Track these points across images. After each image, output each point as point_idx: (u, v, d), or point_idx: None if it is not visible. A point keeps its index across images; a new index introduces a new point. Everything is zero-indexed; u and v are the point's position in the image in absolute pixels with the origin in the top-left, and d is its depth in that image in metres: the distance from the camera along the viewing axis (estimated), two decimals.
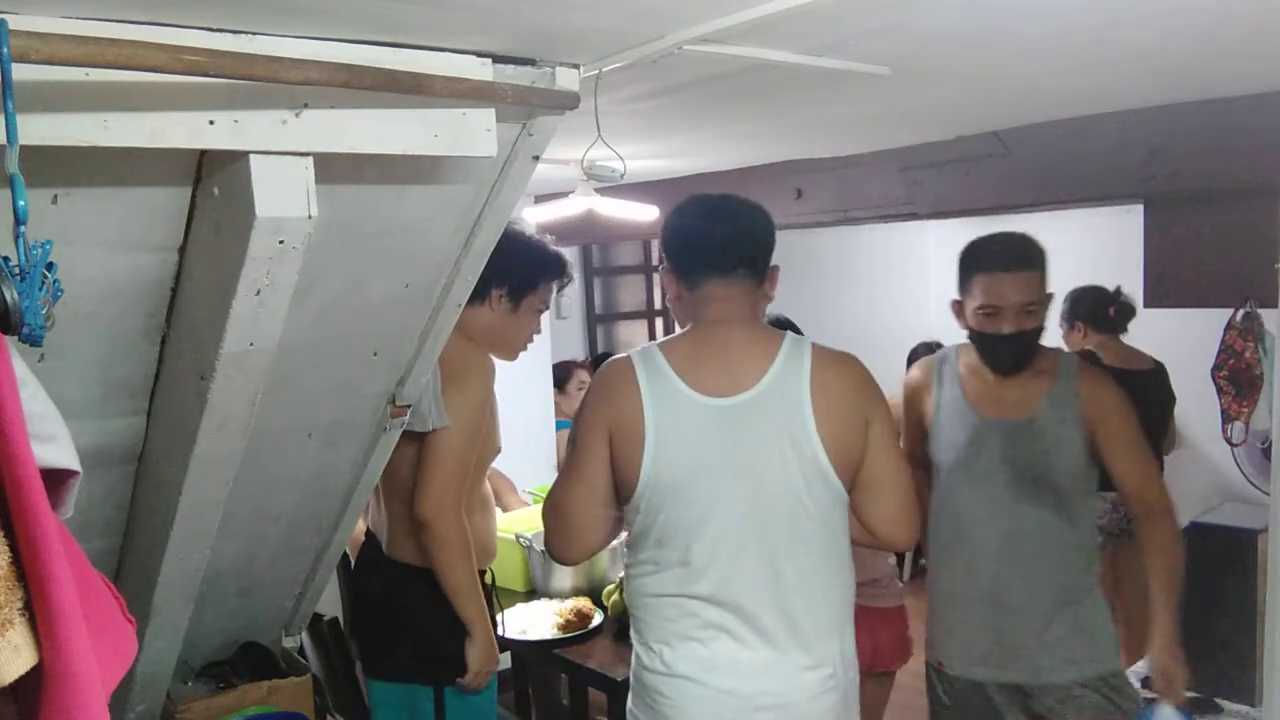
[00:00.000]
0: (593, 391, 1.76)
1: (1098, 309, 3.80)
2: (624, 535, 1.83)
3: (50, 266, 1.10)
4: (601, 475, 1.70)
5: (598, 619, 2.69)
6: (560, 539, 1.79)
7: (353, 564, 2.87)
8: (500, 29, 1.42)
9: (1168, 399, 3.86)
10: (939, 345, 5.05)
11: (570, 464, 1.75)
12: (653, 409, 1.65)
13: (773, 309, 2.53)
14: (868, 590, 2.48)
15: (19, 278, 1.04)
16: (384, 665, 2.32)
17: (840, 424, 1.65)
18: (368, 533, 2.41)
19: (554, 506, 1.78)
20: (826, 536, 1.69)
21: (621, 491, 1.71)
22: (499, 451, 2.36)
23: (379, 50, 1.39)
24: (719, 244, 1.71)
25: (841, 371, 1.71)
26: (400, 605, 2.26)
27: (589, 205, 2.82)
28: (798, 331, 2.40)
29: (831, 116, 2.52)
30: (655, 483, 1.65)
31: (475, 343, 2.17)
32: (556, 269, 2.23)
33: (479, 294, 2.02)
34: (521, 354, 2.31)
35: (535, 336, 2.29)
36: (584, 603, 2.77)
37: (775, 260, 1.78)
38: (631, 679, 1.80)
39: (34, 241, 1.07)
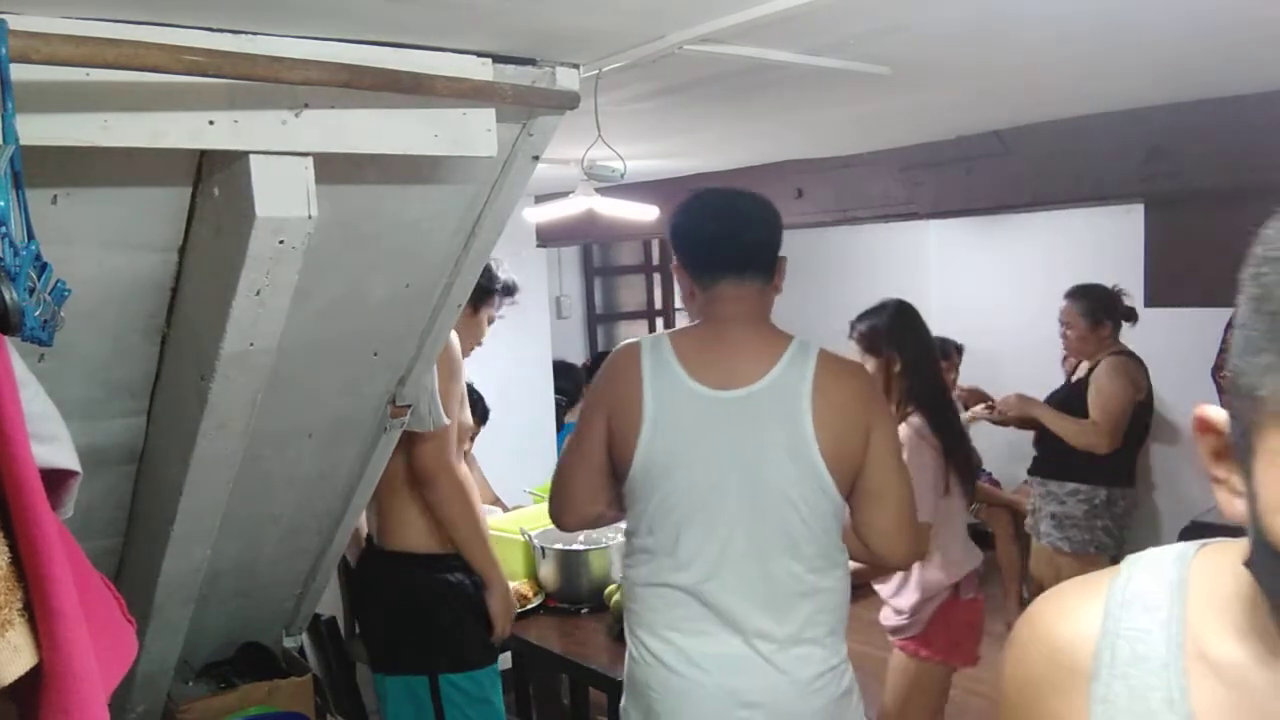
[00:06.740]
0: (601, 372, 1.83)
1: (1122, 307, 3.55)
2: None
3: (45, 268, 1.10)
4: (598, 450, 1.77)
5: (535, 603, 2.80)
6: (558, 504, 1.87)
7: (350, 564, 2.87)
8: (500, 29, 1.42)
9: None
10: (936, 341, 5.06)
11: (574, 437, 1.85)
12: (653, 395, 1.69)
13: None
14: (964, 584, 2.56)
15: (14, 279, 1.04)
16: (386, 660, 2.37)
17: (840, 429, 1.66)
18: (368, 536, 2.43)
19: (556, 475, 1.88)
20: (819, 539, 1.69)
21: (619, 470, 1.76)
22: (470, 428, 2.51)
23: (379, 50, 1.39)
24: (731, 246, 1.73)
25: (845, 379, 1.72)
26: (393, 593, 2.31)
27: (589, 205, 2.82)
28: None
29: (831, 116, 2.52)
30: (649, 465, 1.69)
31: None
32: (509, 290, 2.51)
33: None
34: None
35: (483, 340, 2.51)
36: (522, 584, 2.84)
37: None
38: (625, 677, 1.82)
39: (20, 241, 1.07)
